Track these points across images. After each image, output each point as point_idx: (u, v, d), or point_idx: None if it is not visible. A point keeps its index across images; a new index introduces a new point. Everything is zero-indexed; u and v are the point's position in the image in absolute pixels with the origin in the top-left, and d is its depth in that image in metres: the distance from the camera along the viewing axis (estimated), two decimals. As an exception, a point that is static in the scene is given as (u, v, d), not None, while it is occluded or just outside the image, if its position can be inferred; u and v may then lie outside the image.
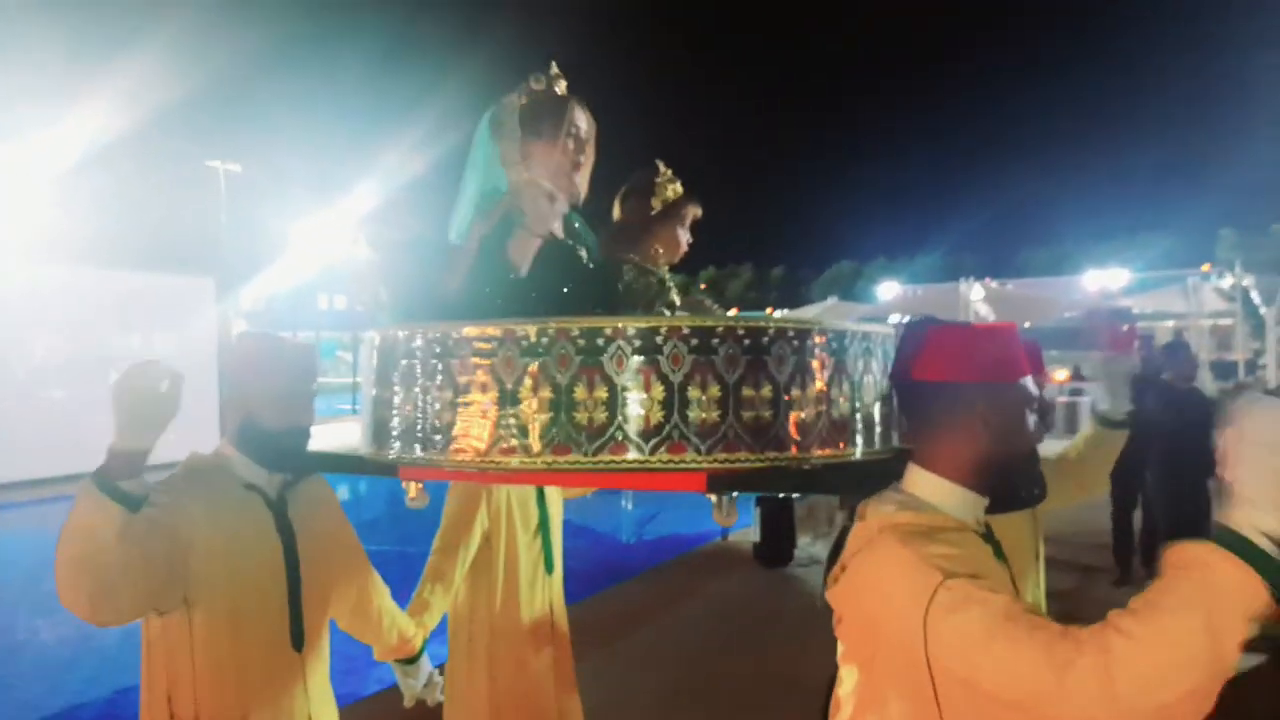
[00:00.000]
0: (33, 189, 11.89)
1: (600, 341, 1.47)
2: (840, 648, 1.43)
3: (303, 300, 35.35)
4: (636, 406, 1.46)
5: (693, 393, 1.46)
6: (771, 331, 1.51)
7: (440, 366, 1.59)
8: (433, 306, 1.90)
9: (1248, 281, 14.05)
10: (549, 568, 2.75)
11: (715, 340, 1.47)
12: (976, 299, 20.41)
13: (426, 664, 2.45)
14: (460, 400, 1.56)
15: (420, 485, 1.83)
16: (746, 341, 1.49)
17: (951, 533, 1.31)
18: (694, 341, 1.47)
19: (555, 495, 2.83)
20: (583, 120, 2.10)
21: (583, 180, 2.13)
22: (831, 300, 24.26)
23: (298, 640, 1.95)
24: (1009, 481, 1.43)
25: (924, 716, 1.24)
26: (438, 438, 1.60)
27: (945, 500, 1.37)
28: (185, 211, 15.69)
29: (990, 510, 1.42)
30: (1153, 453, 5.45)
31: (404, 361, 1.66)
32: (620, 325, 1.49)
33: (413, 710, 2.49)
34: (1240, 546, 1.05)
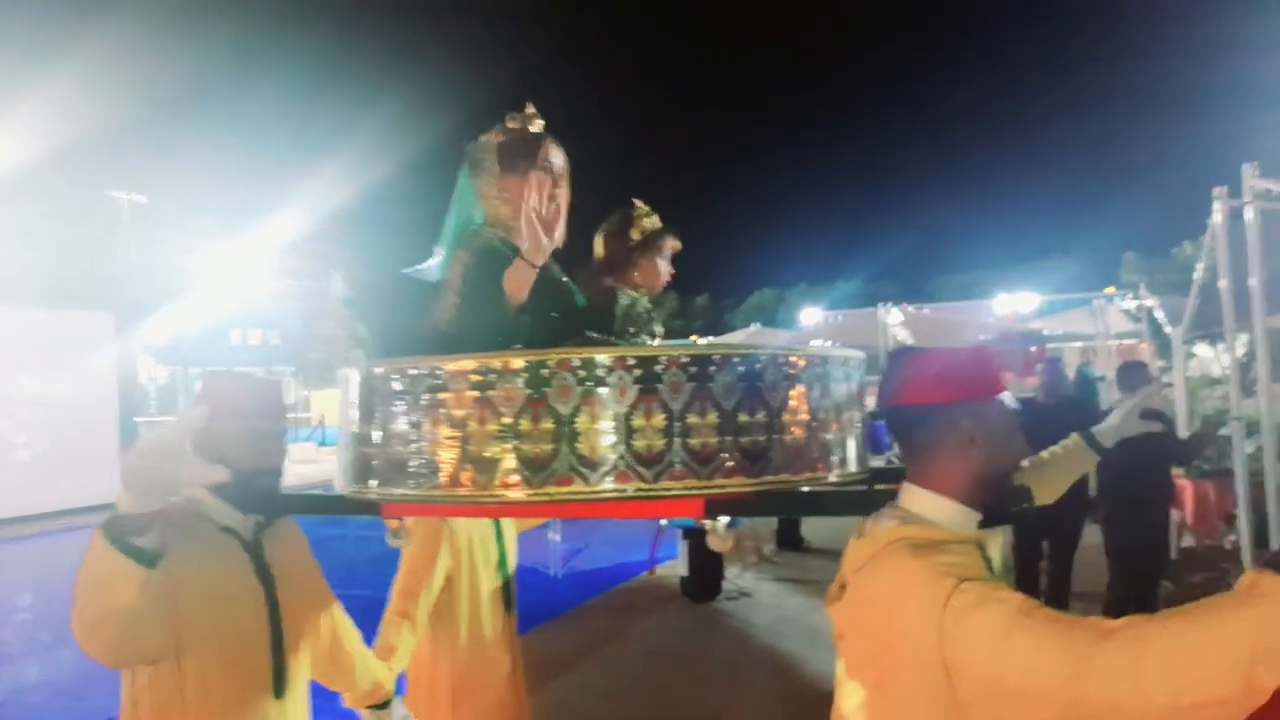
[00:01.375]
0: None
1: (600, 372, 1.49)
2: (841, 664, 1.45)
3: (215, 336, 34.22)
4: (638, 435, 1.47)
5: (691, 419, 1.49)
6: (764, 358, 1.56)
7: (430, 401, 1.56)
8: (415, 342, 1.93)
9: (1152, 302, 14.55)
10: (508, 606, 2.73)
11: (712, 368, 1.51)
12: (895, 323, 20.82)
13: (400, 707, 2.38)
14: (454, 435, 1.54)
15: (401, 522, 1.81)
16: (741, 369, 1.53)
17: (954, 545, 1.35)
18: (692, 370, 1.51)
19: (511, 532, 2.80)
20: (557, 157, 2.15)
21: (560, 214, 2.15)
22: (754, 327, 24.44)
23: (279, 687, 1.92)
24: (999, 495, 1.47)
25: (937, 717, 1.24)
26: (427, 473, 1.57)
27: (942, 515, 1.41)
28: (84, 244, 14.95)
29: (984, 524, 1.46)
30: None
31: (391, 398, 1.63)
32: (621, 355, 1.51)
33: None
34: None
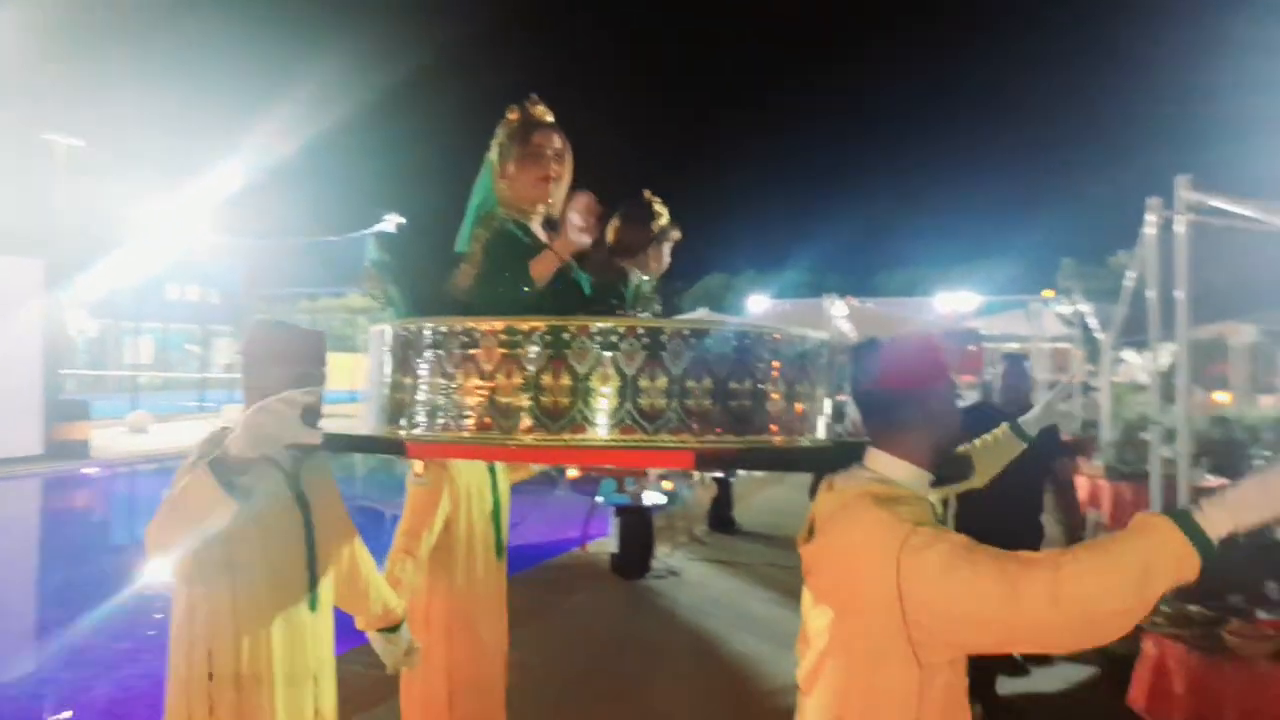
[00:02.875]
0: None
1: (614, 338, 1.72)
2: (809, 596, 1.75)
3: (151, 290, 33.22)
4: (643, 395, 1.72)
5: (690, 384, 1.73)
6: (751, 335, 1.82)
7: (462, 355, 1.79)
8: (438, 305, 2.16)
9: (1086, 308, 14.95)
10: (499, 552, 2.97)
11: (710, 340, 1.77)
12: (839, 315, 21.14)
13: (406, 632, 2.57)
14: (482, 385, 1.76)
15: (425, 464, 2.01)
16: (734, 342, 1.78)
17: (909, 499, 1.65)
18: (693, 340, 1.75)
19: (505, 484, 3.04)
20: (556, 141, 2.39)
21: (559, 194, 2.38)
22: (702, 311, 24.61)
23: (313, 603, 2.17)
24: (947, 462, 1.81)
25: (896, 644, 1.54)
26: (455, 418, 1.79)
27: (901, 476, 1.70)
28: (14, 188, 14.36)
29: (934, 485, 1.77)
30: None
31: (425, 351, 1.85)
32: (633, 325, 1.75)
33: (372, 681, 2.49)
34: (1193, 531, 1.36)
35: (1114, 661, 5.12)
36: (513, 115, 2.40)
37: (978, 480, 2.30)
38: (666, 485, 9.18)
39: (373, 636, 2.53)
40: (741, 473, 9.72)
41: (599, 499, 8.32)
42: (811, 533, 1.75)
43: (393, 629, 2.53)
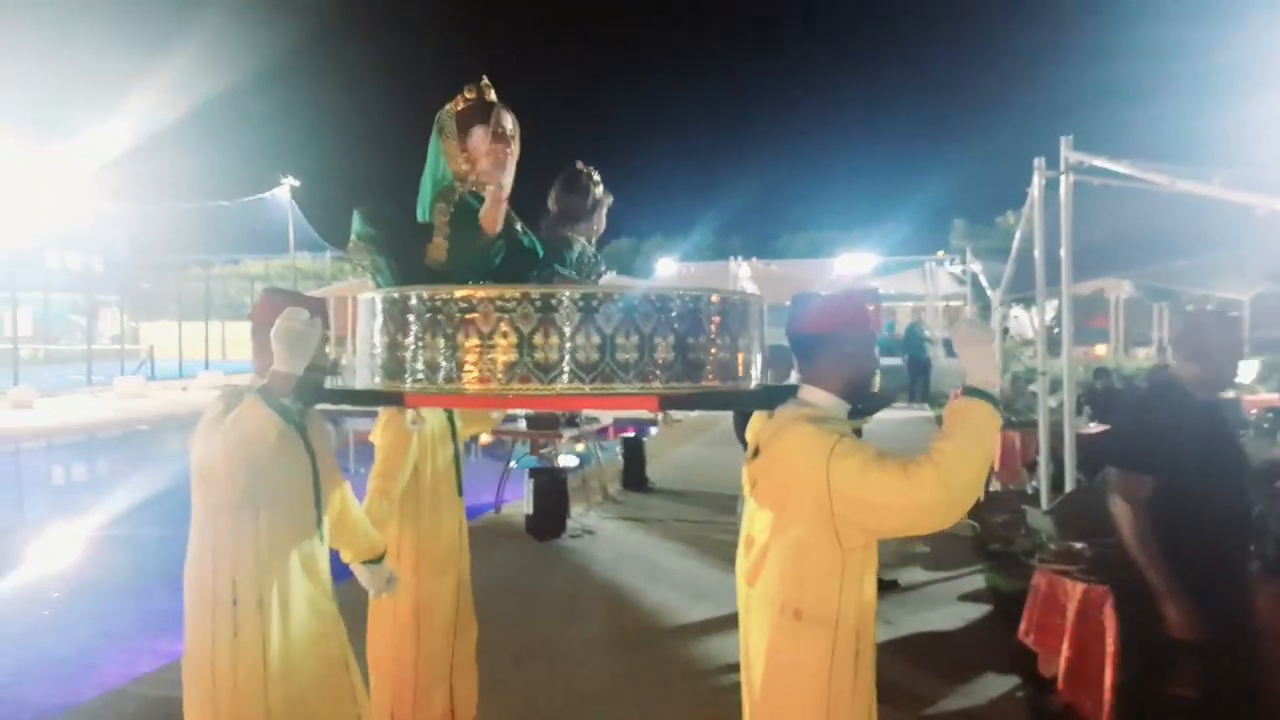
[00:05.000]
0: None
1: (594, 303, 2.01)
2: (751, 505, 2.16)
3: (29, 258, 31.31)
4: (620, 350, 2.00)
5: (657, 340, 2.03)
6: (704, 297, 2.12)
7: (459, 319, 2.03)
8: (418, 273, 2.43)
9: (977, 267, 15.54)
10: (459, 490, 3.30)
11: (672, 302, 2.06)
12: (744, 276, 21.47)
13: (387, 564, 2.88)
14: (477, 344, 2.01)
15: (419, 411, 2.29)
16: (689, 305, 2.08)
17: (835, 421, 2.09)
18: (658, 303, 2.05)
19: (461, 434, 3.39)
20: (508, 121, 2.60)
21: (510, 169, 2.58)
22: (610, 274, 24.60)
23: (320, 533, 2.49)
24: (863, 394, 2.22)
25: (823, 531, 1.98)
26: (457, 373, 2.04)
27: (827, 404, 2.13)
28: None
29: (851, 414, 2.19)
30: None
31: (413, 315, 2.09)
32: (625, 290, 2.05)
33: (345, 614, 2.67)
34: (984, 394, 1.96)
35: (1006, 599, 5.46)
36: (470, 94, 2.61)
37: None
38: (579, 447, 9.25)
39: (357, 569, 2.82)
40: (654, 431, 9.85)
41: (513, 464, 8.34)
42: (755, 454, 2.17)
43: (375, 560, 2.82)
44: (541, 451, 7.81)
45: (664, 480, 9.62)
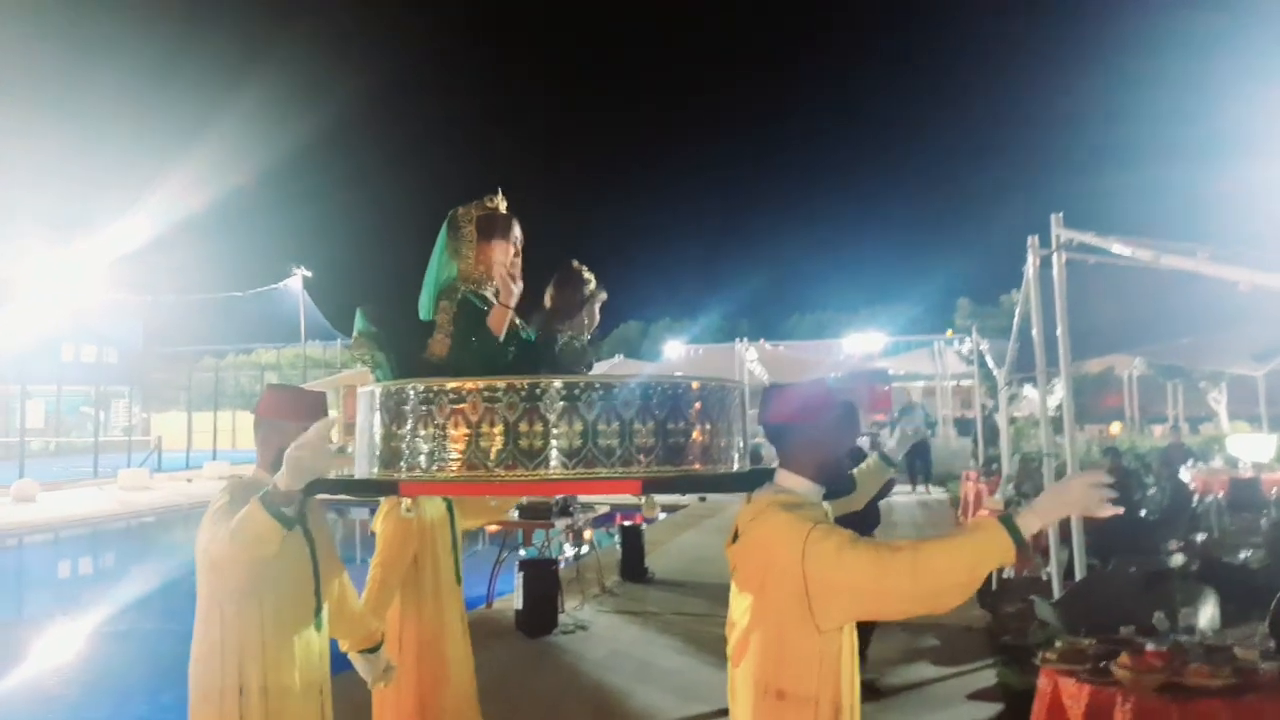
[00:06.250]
0: None
1: (576, 391, 2.11)
2: (734, 587, 2.20)
3: (44, 350, 31.59)
4: (602, 436, 2.09)
5: (637, 425, 2.12)
6: (684, 384, 2.21)
7: (449, 409, 2.12)
8: (420, 368, 2.54)
9: (984, 345, 15.39)
10: (458, 579, 3.36)
11: (651, 390, 2.15)
12: (751, 359, 21.38)
13: (385, 653, 2.90)
14: (465, 432, 2.09)
15: (416, 499, 2.42)
16: (668, 392, 2.17)
17: (809, 505, 2.17)
18: (638, 391, 2.13)
19: (459, 521, 3.46)
20: (518, 231, 2.85)
21: (519, 271, 2.78)
22: (618, 359, 24.62)
23: (319, 624, 2.54)
24: (835, 478, 2.31)
25: (800, 614, 2.03)
26: (446, 460, 2.11)
27: (801, 488, 2.21)
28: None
29: (826, 497, 2.28)
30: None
31: (408, 407, 2.18)
32: (607, 380, 2.15)
33: (349, 705, 2.81)
34: (1012, 528, 1.93)
35: (1017, 696, 5.14)
36: (490, 204, 2.82)
37: (857, 505, 2.77)
38: (587, 535, 9.00)
39: (355, 658, 2.85)
40: (663, 516, 9.64)
41: (503, 554, 8.09)
42: (736, 537, 2.22)
43: (373, 649, 2.86)
44: (534, 544, 7.58)
45: (664, 570, 9.31)
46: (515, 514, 7.33)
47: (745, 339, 22.06)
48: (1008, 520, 1.94)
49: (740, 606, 2.16)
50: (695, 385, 2.24)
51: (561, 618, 7.05)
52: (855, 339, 22.75)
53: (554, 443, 2.07)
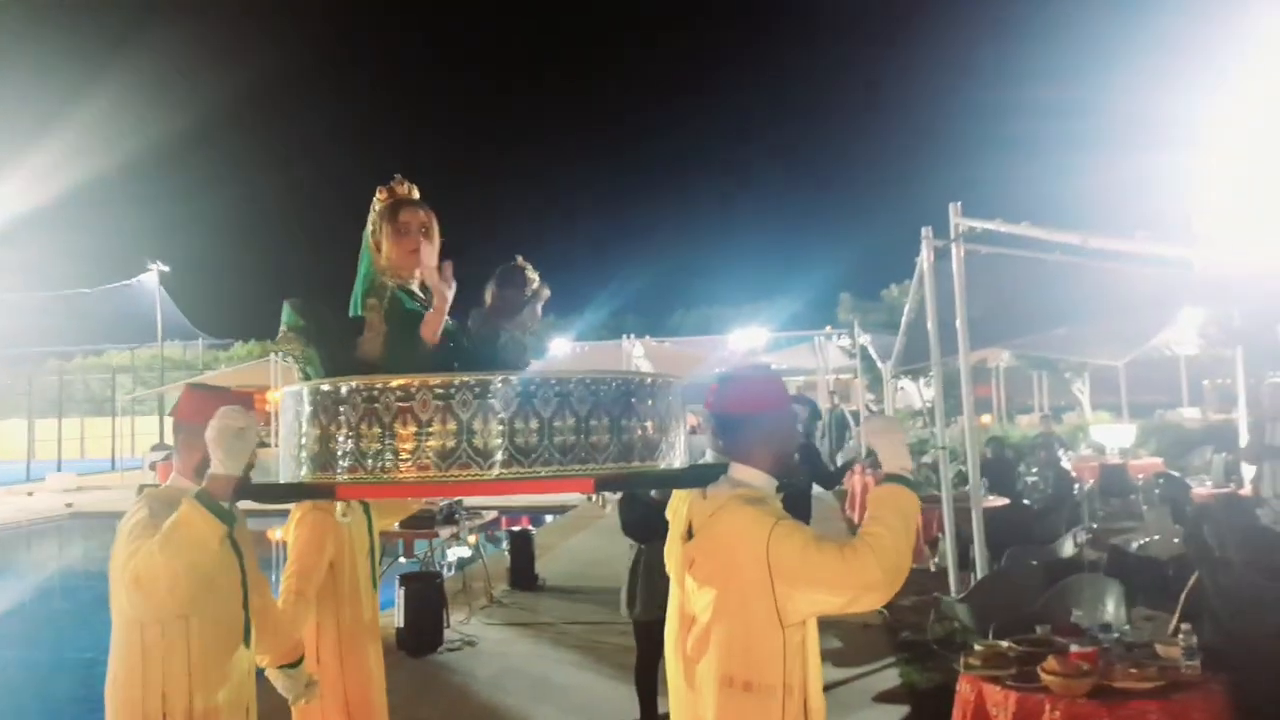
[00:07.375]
0: None
1: (532, 388, 2.00)
2: (691, 582, 2.20)
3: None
4: (557, 433, 1.99)
5: (593, 422, 2.03)
6: (635, 380, 2.15)
7: (390, 408, 1.99)
8: (351, 365, 2.42)
9: (865, 340, 15.64)
10: (375, 585, 3.22)
11: (605, 386, 2.06)
12: (638, 355, 21.23)
13: (305, 668, 2.78)
14: (411, 431, 1.97)
15: (349, 504, 2.36)
16: (622, 388, 2.09)
17: (770, 500, 2.22)
18: (593, 387, 2.05)
19: (375, 525, 3.28)
20: (420, 216, 2.68)
21: (430, 260, 2.53)
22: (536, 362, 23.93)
23: (248, 638, 2.43)
24: (787, 470, 2.36)
25: (765, 610, 2.07)
26: (385, 462, 1.99)
27: (758, 482, 2.24)
28: None
29: (779, 489, 2.31)
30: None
31: (341, 407, 2.04)
32: (562, 375, 2.05)
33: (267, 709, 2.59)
34: (903, 480, 2.15)
35: (922, 696, 5.05)
36: (382, 195, 2.69)
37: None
38: (471, 540, 8.53)
39: (273, 674, 2.72)
40: (548, 519, 9.28)
41: (381, 568, 7.55)
42: (690, 533, 2.23)
43: (293, 665, 2.73)
44: (415, 555, 7.09)
45: (555, 576, 8.94)
46: (395, 524, 6.83)
47: (632, 335, 21.94)
48: (896, 479, 2.14)
49: (701, 602, 2.17)
50: (649, 381, 2.20)
51: (447, 633, 6.60)
52: (740, 335, 22.93)
53: (506, 440, 1.98)
